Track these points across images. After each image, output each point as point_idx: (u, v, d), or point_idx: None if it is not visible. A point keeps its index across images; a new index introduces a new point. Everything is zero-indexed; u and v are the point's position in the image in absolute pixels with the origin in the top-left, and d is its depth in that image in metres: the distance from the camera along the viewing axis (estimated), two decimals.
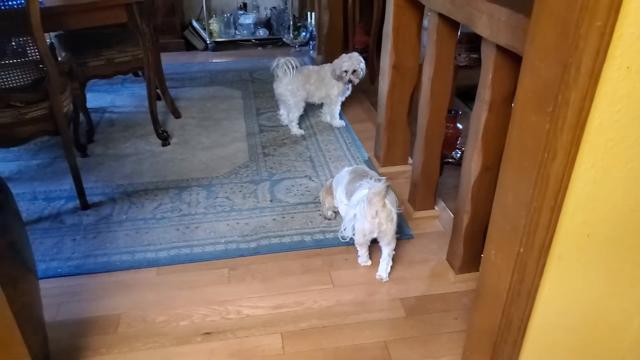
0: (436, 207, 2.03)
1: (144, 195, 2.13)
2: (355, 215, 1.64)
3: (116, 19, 2.27)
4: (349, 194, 1.73)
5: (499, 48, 1.30)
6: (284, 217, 1.99)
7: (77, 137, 2.43)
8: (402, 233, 1.90)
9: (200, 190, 2.16)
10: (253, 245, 1.84)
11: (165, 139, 2.52)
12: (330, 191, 1.92)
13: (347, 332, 1.50)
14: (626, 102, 0.85)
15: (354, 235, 1.69)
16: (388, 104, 2.15)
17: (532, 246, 0.98)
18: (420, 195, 1.98)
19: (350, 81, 2.58)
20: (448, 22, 1.63)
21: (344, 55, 2.61)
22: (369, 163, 2.36)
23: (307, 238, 1.88)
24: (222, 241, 1.86)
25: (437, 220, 1.99)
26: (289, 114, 2.67)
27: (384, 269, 1.69)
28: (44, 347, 1.33)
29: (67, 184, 2.19)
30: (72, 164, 2.01)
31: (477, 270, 1.69)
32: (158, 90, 2.82)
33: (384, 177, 1.61)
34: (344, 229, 1.73)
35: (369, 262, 1.76)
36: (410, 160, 2.33)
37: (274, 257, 1.80)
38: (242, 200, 2.10)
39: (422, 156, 1.88)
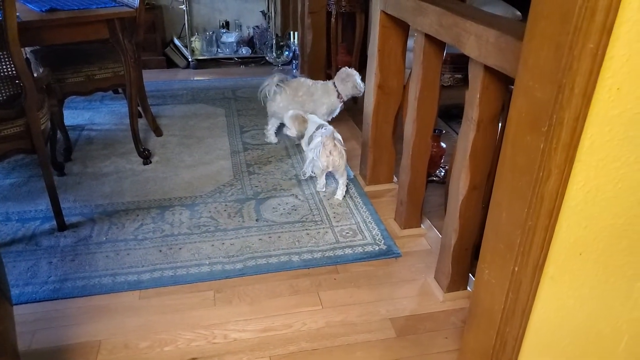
0: (422, 226, 2.03)
1: (125, 216, 2.07)
2: (313, 158, 2.17)
3: (97, 35, 2.24)
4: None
5: (487, 68, 1.33)
6: (270, 237, 1.96)
7: (54, 156, 2.35)
8: (389, 252, 1.89)
9: (184, 210, 2.11)
10: (239, 266, 1.80)
11: (146, 157, 2.47)
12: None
13: (338, 355, 1.47)
14: (617, 122, 0.87)
15: (313, 173, 2.26)
16: (373, 123, 2.17)
17: (526, 265, 0.99)
18: (406, 213, 1.98)
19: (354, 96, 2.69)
20: (434, 43, 1.65)
21: (345, 70, 2.62)
22: (354, 181, 2.36)
23: (295, 258, 1.85)
24: (207, 262, 1.81)
25: (424, 238, 1.99)
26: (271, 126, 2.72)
27: (340, 193, 2.22)
28: None
29: (43, 204, 2.11)
30: (49, 183, 1.94)
31: (465, 288, 1.70)
32: (139, 108, 2.77)
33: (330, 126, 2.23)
34: (305, 169, 2.28)
35: (325, 188, 2.28)
36: (395, 179, 2.34)
37: (261, 278, 1.77)
38: (227, 219, 2.06)
39: (408, 175, 1.89)
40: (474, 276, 1.35)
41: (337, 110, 2.73)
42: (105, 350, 1.48)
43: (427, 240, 1.98)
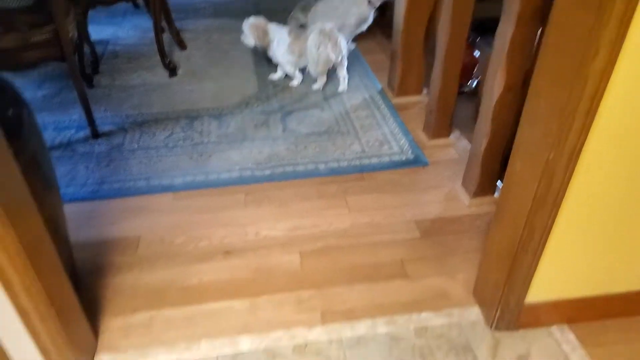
0: (451, 136, 2.01)
1: (155, 125, 2.11)
2: (318, 53, 2.22)
3: None
4: (294, 51, 2.32)
5: None
6: (297, 147, 1.97)
7: (83, 67, 2.36)
8: (416, 161, 1.89)
9: (212, 120, 2.13)
10: (267, 172, 1.84)
11: (172, 70, 2.46)
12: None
13: (364, 251, 1.53)
14: None
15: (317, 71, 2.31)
16: (404, 31, 2.08)
17: (562, 152, 0.97)
18: (435, 123, 1.95)
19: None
20: None
21: None
22: (382, 93, 2.32)
23: (322, 166, 1.87)
24: (237, 168, 1.86)
25: (452, 148, 1.98)
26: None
27: (344, 84, 2.33)
28: (69, 262, 1.36)
29: (76, 114, 2.16)
30: (80, 91, 1.96)
31: (493, 194, 1.70)
32: (163, 22, 2.72)
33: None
34: (311, 72, 2.36)
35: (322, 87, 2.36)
36: (425, 91, 2.28)
37: (288, 184, 1.81)
38: (253, 130, 2.08)
39: (439, 82, 1.84)
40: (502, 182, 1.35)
41: (369, 21, 2.60)
42: (143, 244, 1.57)
43: (455, 150, 1.97)
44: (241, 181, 1.80)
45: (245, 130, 2.07)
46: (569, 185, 1.03)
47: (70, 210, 1.69)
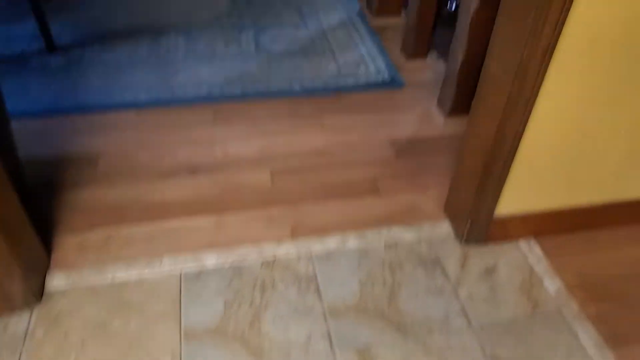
0: (428, 57, 1.94)
1: (118, 39, 1.97)
2: None
3: None
4: None
5: None
6: (270, 65, 1.88)
7: None
8: (393, 81, 1.82)
9: (179, 36, 2.00)
10: (238, 90, 1.76)
11: None
12: None
13: (337, 169, 1.49)
14: None
15: None
16: None
17: (536, 49, 0.92)
18: (413, 42, 1.88)
19: None
20: None
21: None
22: (360, 14, 2.21)
23: (296, 85, 1.79)
24: (205, 85, 1.76)
25: (429, 69, 1.91)
26: None
27: None
28: (18, 177, 1.28)
29: (30, 25, 2.00)
30: None
31: (468, 113, 1.66)
32: None
33: None
34: None
35: None
36: (404, 13, 2.18)
37: (261, 103, 1.73)
38: (224, 47, 1.96)
39: (418, 1, 1.75)
40: None
41: None
42: (104, 160, 1.50)
43: (432, 71, 1.91)
44: (210, 98, 1.72)
45: (215, 47, 1.96)
46: (542, 86, 0.99)
47: (21, 126, 1.60)
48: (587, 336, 1.10)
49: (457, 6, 2.21)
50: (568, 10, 0.87)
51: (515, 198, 1.22)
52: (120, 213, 1.34)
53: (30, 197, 1.35)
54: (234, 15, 2.16)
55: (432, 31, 1.86)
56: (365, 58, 1.94)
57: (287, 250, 1.27)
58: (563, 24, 0.89)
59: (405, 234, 1.31)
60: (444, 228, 1.33)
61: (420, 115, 1.71)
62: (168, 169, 1.48)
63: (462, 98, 1.61)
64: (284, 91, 1.76)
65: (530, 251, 1.29)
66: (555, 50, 0.93)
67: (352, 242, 1.29)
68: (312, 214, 1.35)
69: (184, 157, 1.52)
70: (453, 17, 2.20)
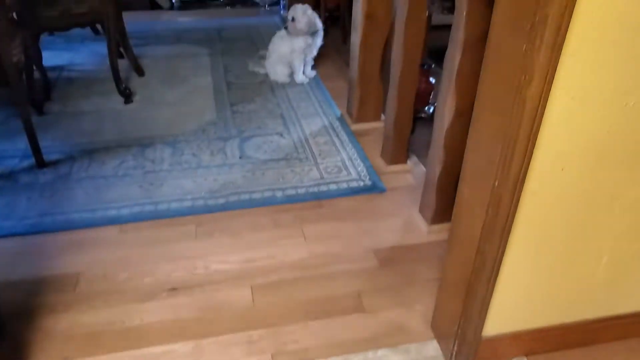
0: (409, 162, 1.99)
1: (105, 153, 2.02)
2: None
3: None
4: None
5: None
6: (254, 174, 1.92)
7: (32, 94, 2.27)
8: (374, 187, 1.86)
9: (165, 148, 2.06)
10: (221, 201, 1.77)
11: (127, 96, 2.39)
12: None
13: (319, 284, 1.46)
14: (607, 19, 0.81)
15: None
16: (361, 56, 2.08)
17: (507, 179, 0.95)
18: (392, 149, 1.94)
19: (286, 28, 2.57)
20: None
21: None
22: (341, 119, 2.30)
23: (279, 194, 1.82)
24: (189, 198, 1.78)
25: (410, 174, 1.96)
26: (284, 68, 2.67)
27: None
28: None
29: (22, 142, 2.05)
30: (25, 118, 1.87)
31: (450, 220, 1.67)
32: (120, 48, 2.67)
33: None
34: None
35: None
36: (383, 117, 2.28)
37: (243, 213, 1.74)
38: (209, 157, 2.01)
39: (394, 108, 1.83)
40: None
41: (303, 44, 2.57)
42: (84, 281, 1.47)
43: (413, 175, 1.95)
44: (193, 211, 1.72)
45: (201, 157, 2.01)
46: (517, 212, 1.00)
47: (6, 246, 1.59)
48: None
49: (434, 109, 2.32)
50: (536, 137, 0.91)
51: (503, 317, 1.18)
52: (96, 341, 1.28)
53: (3, 325, 1.31)
54: (220, 124, 2.24)
55: (410, 135, 1.93)
56: (346, 163, 1.99)
57: None
58: (532, 152, 0.93)
59: (392, 357, 1.26)
60: (432, 348, 1.28)
61: (403, 222, 1.71)
62: (148, 289, 1.44)
63: (444, 205, 1.63)
64: (266, 200, 1.78)
65: None
66: (526, 179, 0.96)
67: None
68: (294, 336, 1.30)
69: (164, 275, 1.49)
70: (431, 118, 2.30)
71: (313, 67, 2.74)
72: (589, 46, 0.83)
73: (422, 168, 1.95)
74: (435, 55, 2.89)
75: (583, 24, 0.81)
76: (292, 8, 2.53)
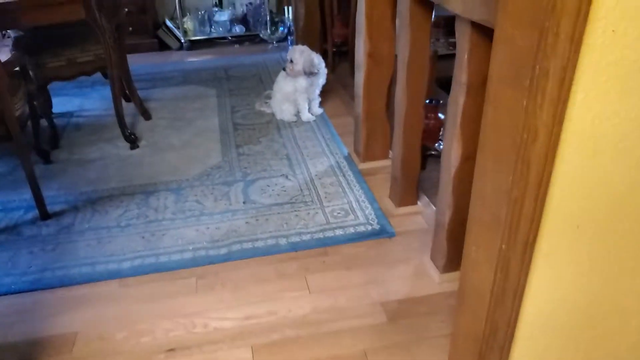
0: (419, 203, 1.91)
1: (109, 202, 2.00)
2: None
3: (74, 15, 2.14)
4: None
5: (474, 25, 1.19)
6: (257, 220, 1.86)
7: (38, 144, 2.29)
8: (383, 231, 1.78)
9: (169, 194, 2.03)
10: (224, 251, 1.72)
11: (133, 141, 2.39)
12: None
13: (324, 342, 1.38)
14: (614, 70, 0.74)
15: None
16: (365, 95, 2.04)
17: (515, 241, 0.87)
18: (401, 190, 1.86)
19: (285, 69, 2.53)
20: (421, 3, 1.51)
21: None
22: (348, 159, 2.24)
23: (283, 241, 1.75)
24: (190, 248, 1.73)
25: (420, 216, 1.88)
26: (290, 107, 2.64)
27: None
28: None
29: (27, 193, 2.04)
30: (28, 171, 1.87)
31: None
32: (127, 92, 2.69)
33: None
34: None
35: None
36: (391, 155, 2.21)
37: (245, 263, 1.68)
38: (213, 203, 1.97)
39: (401, 148, 1.77)
40: None
41: (305, 83, 2.53)
42: (80, 341, 1.41)
43: (423, 217, 1.87)
44: (194, 263, 1.67)
45: (204, 204, 1.96)
46: (529, 275, 0.91)
47: (5, 304, 1.56)
48: None
49: None
50: (545, 196, 0.83)
51: None
52: None
53: None
54: (225, 168, 2.21)
55: (421, 172, 1.86)
56: (353, 205, 1.92)
57: None
58: (542, 211, 0.85)
59: None
60: None
61: (413, 270, 1.63)
62: (145, 349, 1.38)
63: (456, 252, 1.53)
64: (270, 249, 1.72)
65: None
66: (537, 240, 0.88)
67: None
68: None
69: (162, 335, 1.43)
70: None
71: (320, 104, 2.71)
72: (599, 97, 0.76)
73: (434, 209, 1.86)
74: (446, 85, 2.85)
75: (589, 75, 0.74)
76: (291, 50, 2.51)
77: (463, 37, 1.24)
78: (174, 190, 2.06)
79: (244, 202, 1.97)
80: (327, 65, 2.63)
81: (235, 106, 2.83)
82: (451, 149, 1.38)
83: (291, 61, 2.48)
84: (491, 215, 0.90)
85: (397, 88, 1.73)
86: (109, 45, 2.18)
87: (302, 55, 2.46)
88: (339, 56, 3.42)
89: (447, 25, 1.99)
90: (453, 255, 1.55)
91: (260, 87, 3.06)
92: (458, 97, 1.31)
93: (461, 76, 1.28)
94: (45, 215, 1.93)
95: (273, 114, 2.68)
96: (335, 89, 2.95)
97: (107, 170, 2.22)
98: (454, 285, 1.54)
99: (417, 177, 1.86)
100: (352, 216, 1.86)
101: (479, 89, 1.29)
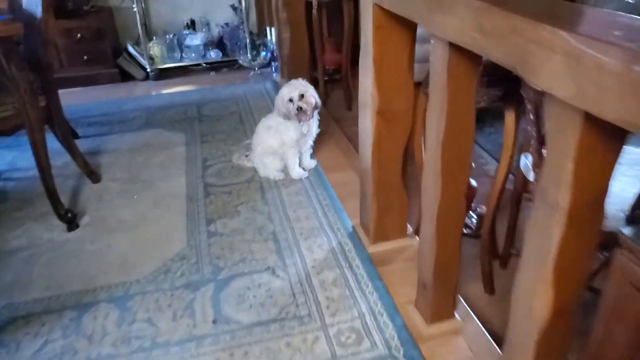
0: (456, 314, 1.38)
1: (24, 327, 1.43)
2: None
3: None
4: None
5: (589, 118, 0.67)
6: (232, 354, 1.32)
7: None
8: None
9: (111, 309, 1.48)
10: None
11: (70, 221, 1.83)
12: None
13: None
14: None
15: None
16: (375, 162, 1.51)
17: None
18: (433, 300, 1.33)
19: (300, 110, 1.90)
20: (465, 56, 0.99)
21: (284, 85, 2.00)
22: (353, 236, 1.72)
23: None
24: None
25: (461, 337, 1.35)
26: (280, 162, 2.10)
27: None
28: None
29: None
30: None
31: None
32: (66, 149, 2.13)
33: None
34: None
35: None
36: (410, 230, 1.69)
37: None
38: (170, 323, 1.42)
39: (432, 250, 1.24)
40: None
41: (295, 135, 2.00)
42: None
43: (465, 339, 1.34)
44: None
45: (158, 325, 1.42)
46: None
47: None
48: None
49: (478, 219, 1.72)
50: None
51: None
52: None
53: None
54: (190, 258, 1.66)
55: (456, 284, 1.33)
56: (367, 322, 1.39)
57: None
58: None
59: None
60: None
61: None
62: None
63: None
64: None
65: None
66: None
67: None
68: None
69: None
70: (477, 233, 1.71)
71: (312, 155, 2.18)
72: None
73: (478, 324, 1.33)
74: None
75: None
76: (289, 86, 1.95)
77: (563, 135, 0.72)
78: (118, 300, 1.51)
79: (213, 322, 1.42)
80: (319, 96, 2.07)
81: (208, 158, 2.28)
82: (534, 298, 0.86)
83: (290, 100, 1.92)
84: None
85: (424, 174, 1.20)
86: (24, 99, 1.63)
87: (306, 88, 1.92)
88: (331, 83, 2.91)
89: (485, 72, 1.48)
90: None
91: (239, 130, 2.52)
92: (550, 227, 0.78)
93: (557, 196, 0.75)
94: None
95: (255, 169, 2.15)
96: (330, 131, 2.43)
97: (30, 268, 1.66)
98: None
99: (454, 285, 1.33)
100: (367, 342, 1.33)
101: (586, 213, 0.77)
